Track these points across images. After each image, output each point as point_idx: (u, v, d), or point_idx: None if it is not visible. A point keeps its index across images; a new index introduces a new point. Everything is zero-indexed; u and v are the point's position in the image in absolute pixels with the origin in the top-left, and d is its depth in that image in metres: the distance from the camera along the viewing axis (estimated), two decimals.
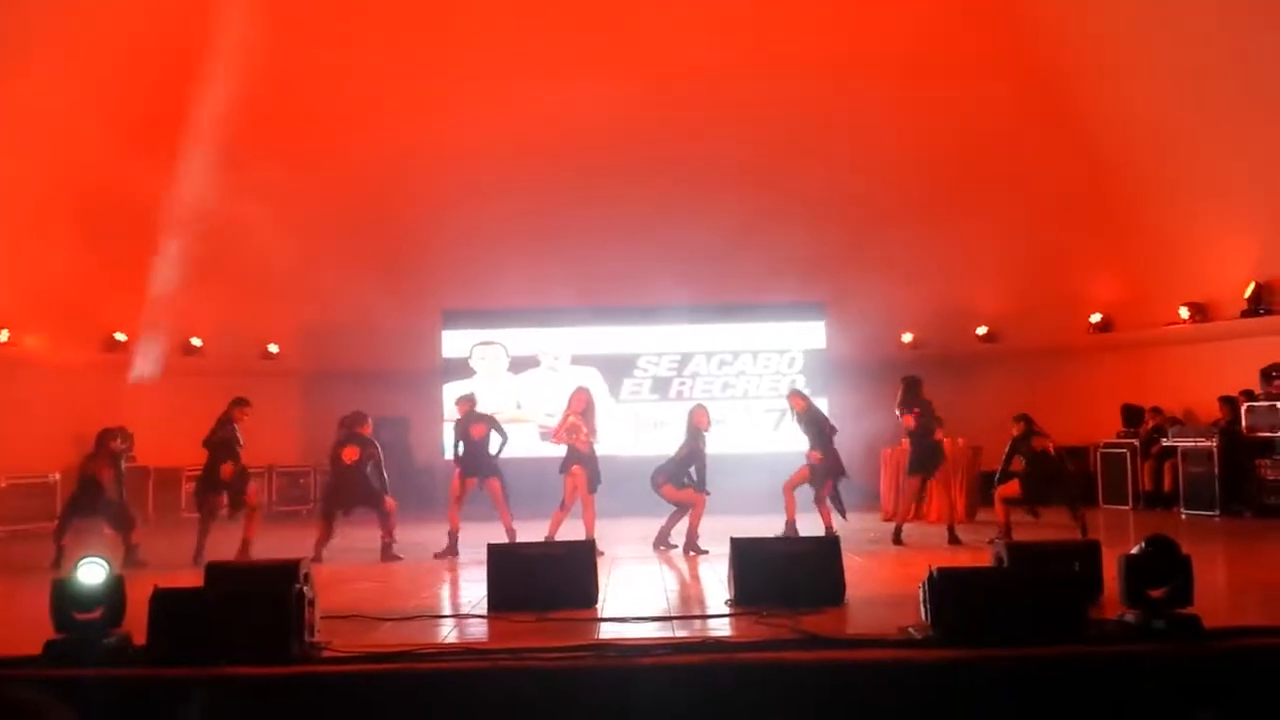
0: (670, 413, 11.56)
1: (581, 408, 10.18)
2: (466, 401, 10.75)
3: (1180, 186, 13.46)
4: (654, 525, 10.23)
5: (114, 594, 4.99)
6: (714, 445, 10.46)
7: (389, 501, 10.04)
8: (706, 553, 9.40)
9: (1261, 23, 11.70)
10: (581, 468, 9.94)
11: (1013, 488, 10.20)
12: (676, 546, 9.85)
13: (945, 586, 5.17)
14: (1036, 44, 13.62)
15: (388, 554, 9.79)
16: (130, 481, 13.14)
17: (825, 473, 10.31)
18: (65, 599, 4.92)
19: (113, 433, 9.96)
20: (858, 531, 10.74)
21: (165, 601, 4.99)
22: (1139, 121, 13.50)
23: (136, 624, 4.99)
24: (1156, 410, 13.74)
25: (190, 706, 4.46)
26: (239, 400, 10.36)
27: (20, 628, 5.40)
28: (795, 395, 10.93)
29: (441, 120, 14.01)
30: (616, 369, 15.50)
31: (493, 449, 10.40)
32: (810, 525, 10.03)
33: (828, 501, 10.29)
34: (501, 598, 6.50)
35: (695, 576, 8.43)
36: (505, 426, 10.77)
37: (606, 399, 13.31)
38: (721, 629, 5.85)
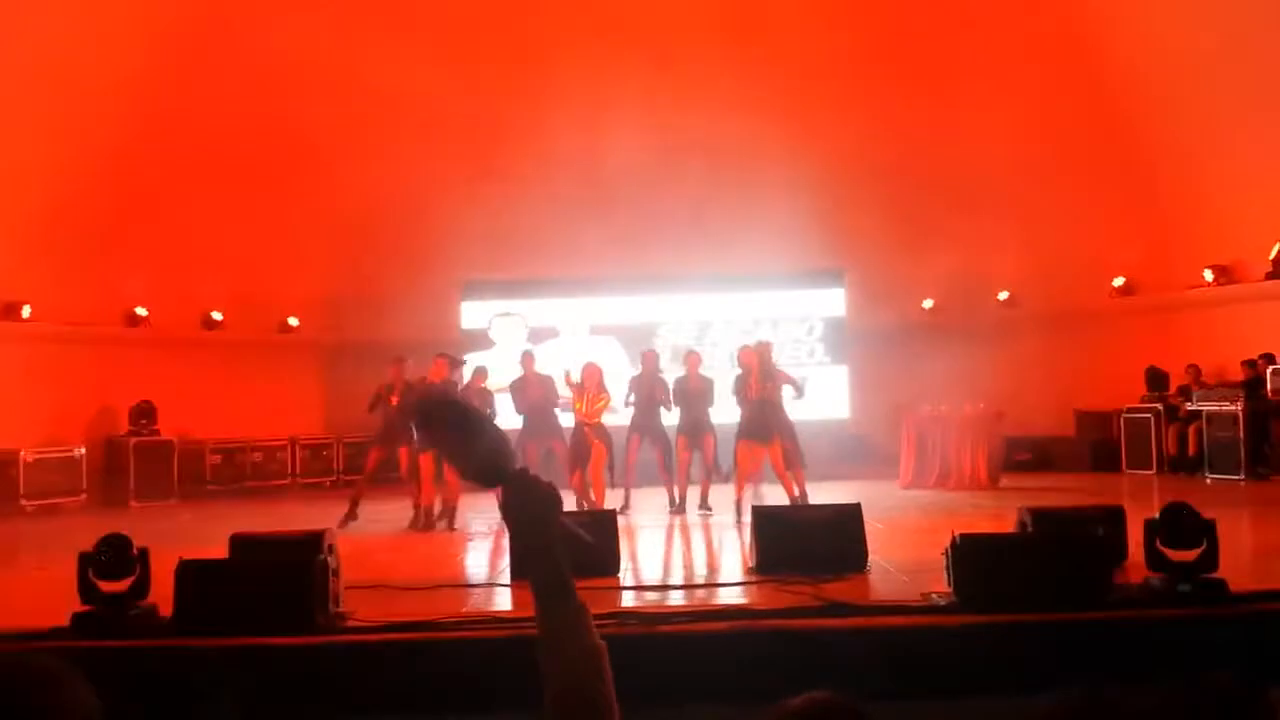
0: None
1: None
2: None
3: (1203, 146, 13.26)
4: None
5: (140, 566, 5.04)
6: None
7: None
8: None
9: None
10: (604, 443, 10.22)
11: None
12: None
13: (968, 552, 5.14)
14: (1058, 4, 13.42)
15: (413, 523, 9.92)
16: (153, 454, 13.32)
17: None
18: (92, 571, 4.97)
19: None
20: (880, 498, 10.71)
21: (191, 573, 5.03)
22: (1162, 81, 13.29)
23: (163, 596, 5.04)
24: (1193, 368, 13.56)
25: (216, 677, 4.50)
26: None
27: (48, 600, 5.45)
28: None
29: (463, 93, 13.94)
30: (636, 338, 15.43)
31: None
32: (822, 495, 9.93)
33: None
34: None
35: (717, 545, 8.45)
36: None
37: (626, 369, 13.29)
38: (743, 597, 5.85)
